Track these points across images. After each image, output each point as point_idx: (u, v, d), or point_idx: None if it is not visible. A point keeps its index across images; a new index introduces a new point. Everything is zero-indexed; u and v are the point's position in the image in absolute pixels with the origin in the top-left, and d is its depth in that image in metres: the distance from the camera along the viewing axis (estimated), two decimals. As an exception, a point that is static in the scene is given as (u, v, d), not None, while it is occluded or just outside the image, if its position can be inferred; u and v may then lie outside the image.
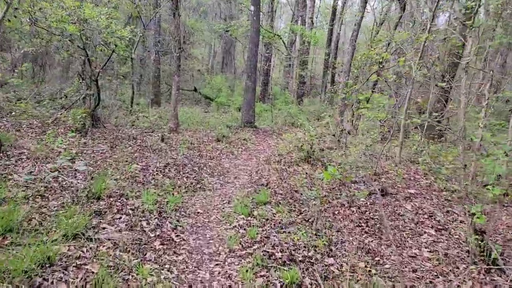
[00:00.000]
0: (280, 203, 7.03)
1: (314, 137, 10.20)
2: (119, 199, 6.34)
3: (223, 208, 6.89)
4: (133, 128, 13.13)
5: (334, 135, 11.64)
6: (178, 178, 8.13)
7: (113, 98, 15.63)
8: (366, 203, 7.31)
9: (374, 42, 15.38)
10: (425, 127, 15.35)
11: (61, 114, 11.68)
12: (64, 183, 6.62)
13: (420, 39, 10.63)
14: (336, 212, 6.84)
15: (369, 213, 6.82)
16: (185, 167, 8.88)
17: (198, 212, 6.62)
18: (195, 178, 8.38)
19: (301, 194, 7.61)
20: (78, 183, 6.71)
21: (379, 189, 7.85)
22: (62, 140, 9.27)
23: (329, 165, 9.96)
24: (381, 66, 15.51)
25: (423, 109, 21.69)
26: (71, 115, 11.57)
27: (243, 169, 9.78)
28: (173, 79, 12.85)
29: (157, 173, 8.19)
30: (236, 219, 6.27)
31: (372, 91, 15.49)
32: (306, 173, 9.24)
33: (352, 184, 8.43)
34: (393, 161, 10.30)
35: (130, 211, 5.91)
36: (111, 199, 6.25)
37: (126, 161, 8.70)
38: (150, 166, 8.56)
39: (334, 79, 29.06)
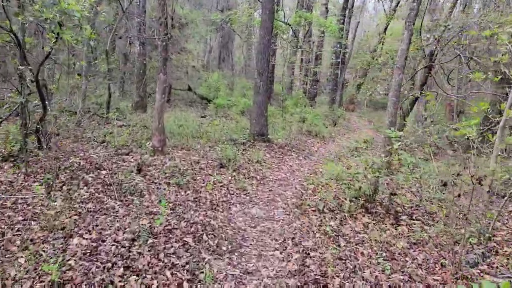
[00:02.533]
0: None
1: (378, 170, 6.18)
2: None
3: None
4: (103, 147, 9.09)
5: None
6: (155, 272, 4.13)
7: (81, 102, 11.54)
8: None
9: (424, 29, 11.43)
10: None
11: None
12: None
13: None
14: None
15: None
16: (170, 239, 4.84)
17: None
18: (187, 268, 4.34)
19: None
20: None
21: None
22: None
23: (412, 220, 6.03)
24: (433, 58, 11.57)
25: (457, 113, 17.80)
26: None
27: (267, 230, 5.73)
28: (157, 78, 8.86)
29: (114, 262, 4.18)
30: None
31: (421, 93, 11.55)
32: (377, 241, 5.28)
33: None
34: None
35: None
36: None
37: (63, 228, 4.69)
38: (105, 242, 4.55)
39: (341, 77, 25.07)
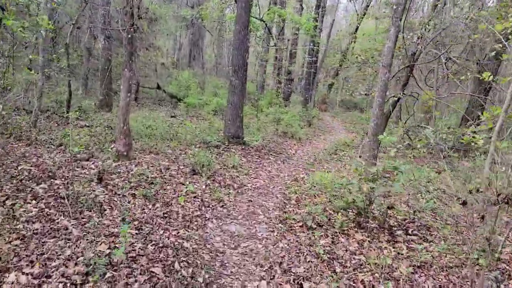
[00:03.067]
0: None
1: (372, 180, 5.43)
2: None
3: None
4: (60, 152, 8.04)
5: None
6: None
7: (37, 100, 10.38)
8: None
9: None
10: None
11: None
12: None
13: None
14: None
15: None
16: (133, 270, 3.92)
17: None
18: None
19: None
20: None
21: None
22: None
23: (409, 235, 5.35)
24: (415, 58, 11.00)
25: (429, 112, 17.45)
26: None
27: (250, 252, 4.85)
28: (122, 75, 7.88)
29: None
30: None
31: (403, 93, 10.99)
32: (377, 264, 4.54)
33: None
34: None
35: None
36: None
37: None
38: (50, 277, 3.61)
39: (316, 76, 24.52)
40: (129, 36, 7.65)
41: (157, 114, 15.25)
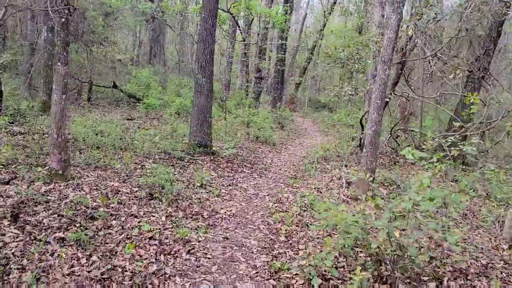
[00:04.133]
0: None
1: (402, 217, 3.80)
2: None
3: None
4: (-28, 171, 6.03)
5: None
6: None
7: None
8: None
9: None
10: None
11: None
12: None
13: None
14: None
15: None
16: None
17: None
18: None
19: None
20: None
21: None
22: None
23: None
24: (406, 53, 9.58)
25: (407, 116, 16.20)
26: None
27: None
28: (54, 71, 5.93)
29: None
30: None
31: (392, 93, 9.54)
32: None
33: None
34: None
35: None
36: None
37: None
38: None
39: (285, 74, 22.99)
40: (63, 19, 5.73)
41: (112, 116, 13.25)
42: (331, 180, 8.11)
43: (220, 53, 25.81)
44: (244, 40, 17.05)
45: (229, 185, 7.30)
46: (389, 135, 10.81)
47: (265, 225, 5.58)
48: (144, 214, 5.22)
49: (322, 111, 27.00)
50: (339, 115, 21.82)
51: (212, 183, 7.09)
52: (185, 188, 6.50)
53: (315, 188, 7.45)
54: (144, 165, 7.44)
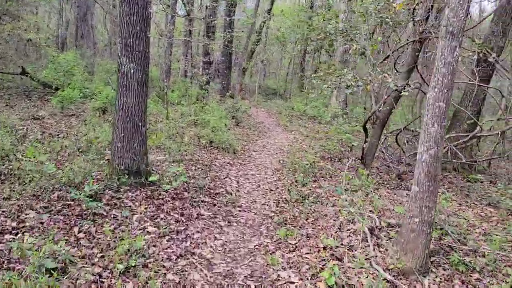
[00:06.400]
0: None
1: None
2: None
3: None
4: None
5: None
6: None
7: None
8: None
9: None
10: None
11: None
12: None
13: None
14: None
15: None
16: None
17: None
18: None
19: None
20: None
21: None
22: None
23: None
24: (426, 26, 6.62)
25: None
26: None
27: None
28: None
29: None
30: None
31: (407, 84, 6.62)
32: None
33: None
34: None
35: None
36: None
37: None
38: None
39: (232, 59, 19.75)
40: None
41: (10, 114, 9.38)
42: (340, 226, 5.01)
43: (158, 33, 21.76)
44: (189, 15, 13.34)
45: (180, 255, 3.96)
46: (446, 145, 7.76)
47: None
48: None
49: (274, 99, 24.01)
50: (297, 104, 18.92)
51: (148, 258, 3.73)
52: (97, 274, 3.12)
53: (324, 249, 4.33)
54: (27, 218, 3.97)
